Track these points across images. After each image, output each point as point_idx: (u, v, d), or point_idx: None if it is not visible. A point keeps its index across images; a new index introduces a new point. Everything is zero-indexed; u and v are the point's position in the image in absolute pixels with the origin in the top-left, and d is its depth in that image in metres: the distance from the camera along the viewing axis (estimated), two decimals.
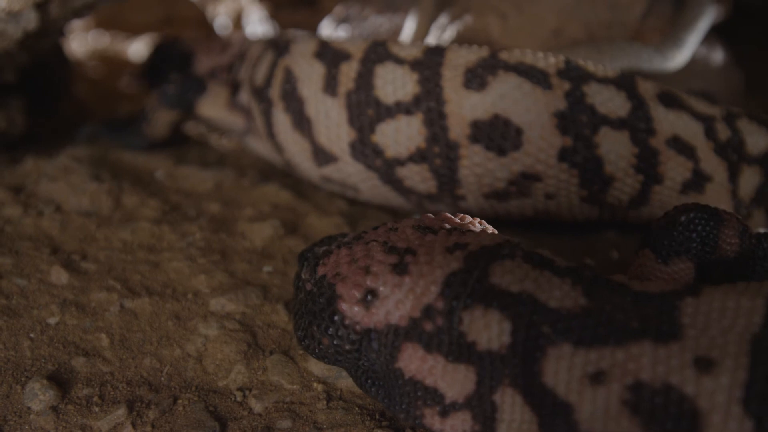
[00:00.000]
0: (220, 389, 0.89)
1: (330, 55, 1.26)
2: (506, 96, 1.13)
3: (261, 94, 1.39)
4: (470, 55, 1.17)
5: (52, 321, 0.97)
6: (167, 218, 1.27)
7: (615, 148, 1.13)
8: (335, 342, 0.75)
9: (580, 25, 1.52)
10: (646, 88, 1.17)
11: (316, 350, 0.78)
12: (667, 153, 1.14)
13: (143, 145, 1.63)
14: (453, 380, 0.69)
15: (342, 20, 1.95)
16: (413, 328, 0.71)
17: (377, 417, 0.85)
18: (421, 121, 1.17)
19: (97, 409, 0.84)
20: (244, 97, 1.51)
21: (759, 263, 0.90)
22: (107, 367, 0.91)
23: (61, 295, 1.03)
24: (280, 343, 0.97)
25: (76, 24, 2.68)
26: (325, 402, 0.87)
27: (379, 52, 1.22)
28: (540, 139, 1.13)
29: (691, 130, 1.15)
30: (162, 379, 0.90)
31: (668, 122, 1.14)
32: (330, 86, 1.24)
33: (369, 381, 0.77)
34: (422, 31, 1.63)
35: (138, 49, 2.70)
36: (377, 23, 1.86)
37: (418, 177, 1.22)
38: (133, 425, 0.82)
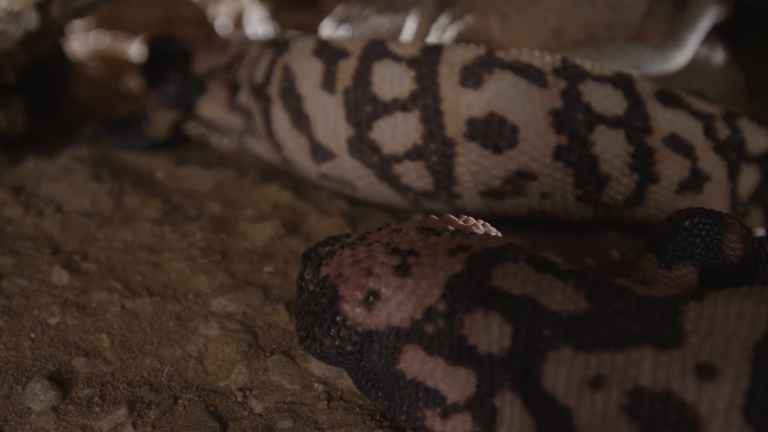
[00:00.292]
0: (221, 389, 0.89)
1: (329, 52, 1.27)
2: (502, 94, 1.13)
3: (260, 92, 1.40)
4: (467, 53, 1.17)
5: (52, 321, 0.97)
6: (168, 218, 1.27)
7: (610, 147, 1.13)
8: (337, 343, 0.75)
9: (580, 26, 1.52)
10: (644, 87, 1.16)
11: (318, 351, 0.78)
12: (664, 152, 1.14)
13: (144, 145, 1.63)
14: (454, 383, 0.69)
15: (343, 20, 1.95)
16: (415, 330, 0.71)
17: (378, 417, 0.85)
18: (418, 118, 1.17)
19: (97, 409, 0.84)
20: (244, 97, 1.51)
21: (762, 267, 0.89)
22: (108, 367, 0.91)
23: (61, 295, 1.03)
24: (281, 343, 0.97)
25: (77, 24, 2.68)
26: (325, 402, 0.87)
27: (377, 49, 1.22)
28: (535, 137, 1.13)
29: (689, 128, 1.15)
30: (163, 379, 0.90)
31: (666, 120, 1.14)
32: (328, 83, 1.24)
33: (369, 383, 0.77)
34: (423, 32, 1.63)
35: (138, 49, 2.70)
36: (378, 23, 1.86)
37: (414, 174, 1.22)
38: (134, 425, 0.82)
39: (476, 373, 0.68)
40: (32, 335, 0.94)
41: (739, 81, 1.82)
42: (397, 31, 1.79)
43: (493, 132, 1.14)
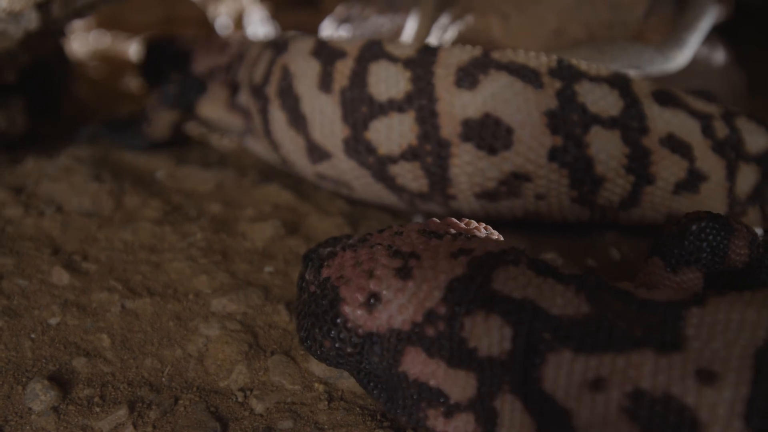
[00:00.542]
0: (222, 390, 0.89)
1: (326, 52, 1.27)
2: (497, 95, 1.13)
3: (258, 91, 1.40)
4: (463, 54, 1.17)
5: (53, 321, 0.97)
6: (168, 219, 1.27)
7: (606, 148, 1.13)
8: (337, 345, 0.75)
9: (581, 26, 1.52)
10: (641, 87, 1.16)
11: (318, 352, 0.78)
12: (660, 152, 1.14)
13: (144, 145, 1.63)
14: (455, 385, 0.69)
15: (343, 21, 1.95)
16: (415, 333, 0.71)
17: (378, 417, 0.85)
18: (413, 119, 1.17)
19: (98, 409, 0.84)
20: (243, 97, 1.51)
21: (765, 271, 0.89)
22: (108, 367, 0.91)
23: (62, 295, 1.03)
24: (282, 343, 0.97)
25: (77, 24, 2.68)
26: (326, 402, 0.87)
27: (373, 50, 1.22)
28: (530, 138, 1.13)
29: (687, 128, 1.15)
30: (163, 379, 0.90)
31: (663, 120, 1.14)
32: (325, 83, 1.24)
33: (371, 384, 0.77)
34: (423, 32, 1.63)
35: (138, 49, 2.70)
36: (378, 23, 1.86)
37: (410, 175, 1.22)
38: (134, 426, 0.82)
39: (476, 376, 0.68)
40: (33, 335, 0.94)
41: (739, 81, 1.82)
42: (398, 31, 1.79)
43: (488, 133, 1.14)
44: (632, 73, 1.47)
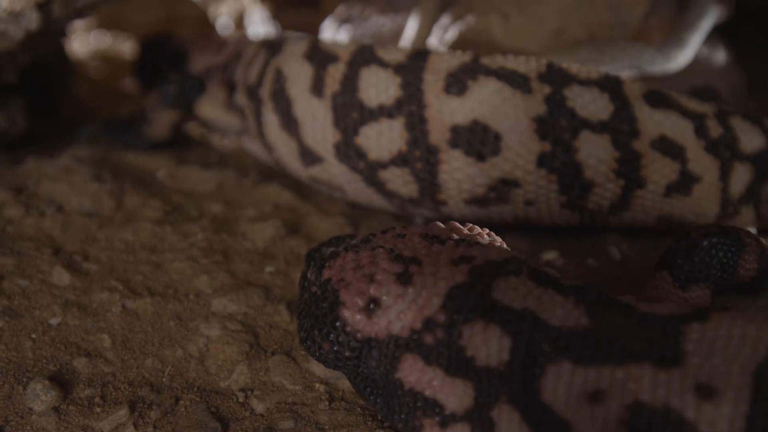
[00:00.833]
0: (222, 390, 0.89)
1: (319, 56, 1.27)
2: (485, 101, 1.13)
3: (252, 93, 1.40)
4: (453, 60, 1.17)
5: (53, 322, 0.97)
6: (169, 219, 1.27)
7: (595, 153, 1.12)
8: (335, 348, 0.75)
9: (581, 26, 1.52)
10: (632, 89, 1.15)
11: (317, 354, 0.78)
12: (651, 156, 1.13)
13: (144, 146, 1.63)
14: (452, 393, 0.69)
15: (344, 21, 1.95)
16: (414, 340, 0.71)
17: (379, 418, 0.85)
18: (403, 125, 1.17)
19: (98, 409, 0.84)
20: (240, 97, 1.51)
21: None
22: (109, 367, 0.91)
23: (62, 295, 1.03)
24: (282, 343, 0.97)
25: (78, 24, 2.68)
26: (327, 403, 0.87)
27: (365, 55, 1.22)
28: (518, 144, 1.12)
29: (679, 129, 1.14)
30: (164, 379, 0.90)
31: (654, 122, 1.13)
32: (317, 87, 1.24)
33: (368, 389, 0.77)
34: (424, 32, 1.62)
35: (134, 48, 2.70)
36: (379, 24, 1.86)
37: (400, 180, 1.22)
38: (135, 426, 0.82)
39: (474, 385, 0.68)
40: (33, 335, 0.94)
41: (739, 81, 1.82)
42: (399, 31, 1.79)
43: (476, 140, 1.14)
44: (631, 73, 1.47)
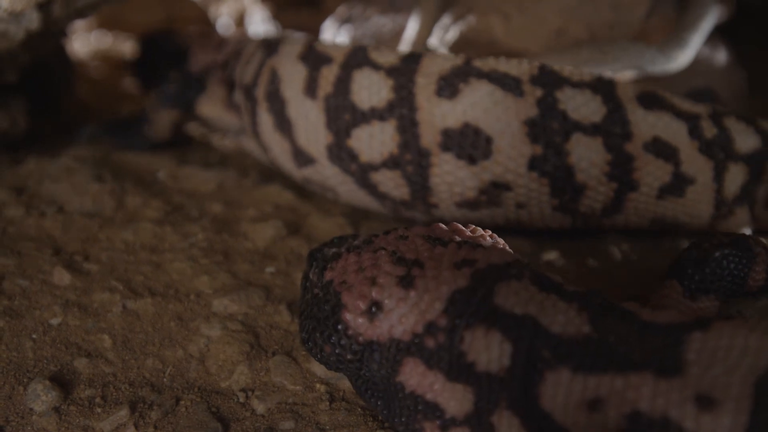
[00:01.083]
0: (223, 390, 0.89)
1: (313, 57, 1.27)
2: (477, 104, 1.13)
3: (248, 92, 1.40)
4: (445, 63, 1.17)
5: (54, 322, 0.97)
6: (169, 219, 1.27)
7: (587, 156, 1.12)
8: (337, 351, 0.75)
9: (582, 26, 1.52)
10: (625, 91, 1.15)
11: (318, 356, 0.78)
12: (644, 158, 1.13)
13: (145, 145, 1.63)
14: (452, 398, 0.69)
15: (344, 21, 1.95)
16: (415, 344, 0.71)
17: (380, 418, 0.84)
18: (395, 128, 1.17)
19: (99, 410, 0.84)
20: (238, 96, 1.51)
21: None
22: (109, 368, 0.91)
23: (63, 295, 1.03)
24: (283, 344, 0.97)
25: (79, 24, 2.68)
26: (327, 403, 0.87)
27: (358, 57, 1.22)
28: (510, 147, 1.12)
29: (672, 130, 1.13)
30: (164, 380, 0.90)
31: (647, 124, 1.13)
32: (310, 89, 1.24)
33: (369, 391, 0.77)
34: (425, 32, 1.62)
35: (133, 47, 2.70)
36: (380, 24, 1.86)
37: (391, 183, 1.22)
38: (136, 426, 0.82)
39: (474, 390, 0.68)
40: (34, 336, 0.94)
41: (740, 81, 1.82)
42: (399, 31, 1.79)
43: (467, 143, 1.13)
44: (632, 73, 1.46)
